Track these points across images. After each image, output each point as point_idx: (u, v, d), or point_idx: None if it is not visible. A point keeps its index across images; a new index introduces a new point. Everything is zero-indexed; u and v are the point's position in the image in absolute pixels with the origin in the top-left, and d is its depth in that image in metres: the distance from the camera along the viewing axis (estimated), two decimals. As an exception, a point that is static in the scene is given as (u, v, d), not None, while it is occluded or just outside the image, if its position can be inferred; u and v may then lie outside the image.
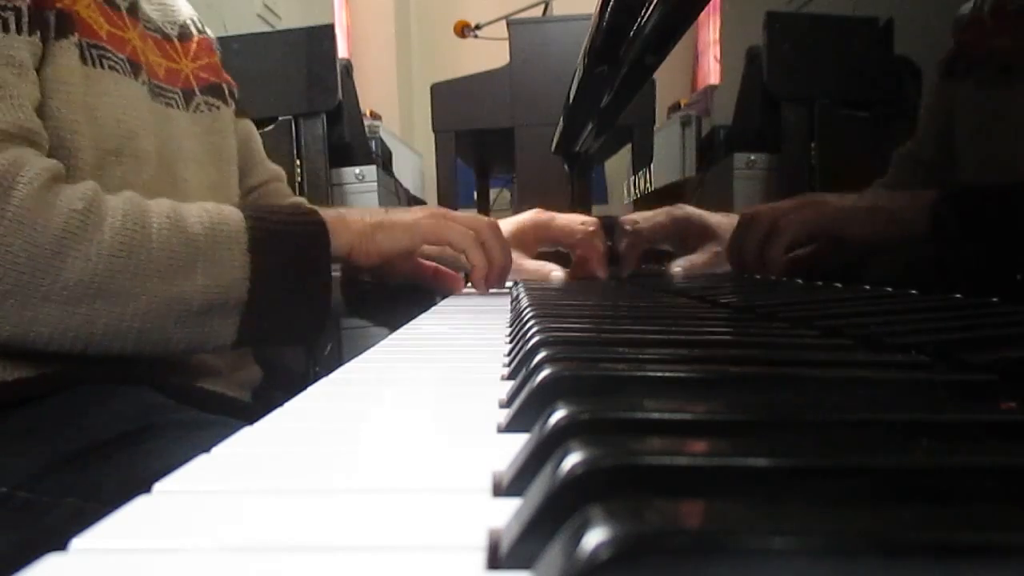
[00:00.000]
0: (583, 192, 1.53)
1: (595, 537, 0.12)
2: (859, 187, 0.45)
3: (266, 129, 1.70)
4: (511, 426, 0.24)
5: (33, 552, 0.14)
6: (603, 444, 0.16)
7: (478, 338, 0.48)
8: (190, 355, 0.65)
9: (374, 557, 0.14)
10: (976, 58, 0.34)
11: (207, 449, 0.21)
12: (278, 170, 0.98)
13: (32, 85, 0.59)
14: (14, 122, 0.56)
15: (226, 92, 0.86)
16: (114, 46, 0.68)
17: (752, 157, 0.78)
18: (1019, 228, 0.30)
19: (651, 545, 0.12)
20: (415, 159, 3.53)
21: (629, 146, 2.22)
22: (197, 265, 0.59)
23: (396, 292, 0.86)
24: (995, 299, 0.32)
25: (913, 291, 0.38)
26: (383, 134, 2.36)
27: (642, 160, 2.08)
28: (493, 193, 3.59)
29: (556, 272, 0.95)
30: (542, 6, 2.66)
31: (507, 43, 2.39)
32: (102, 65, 0.66)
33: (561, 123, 1.40)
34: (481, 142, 2.63)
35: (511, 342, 0.43)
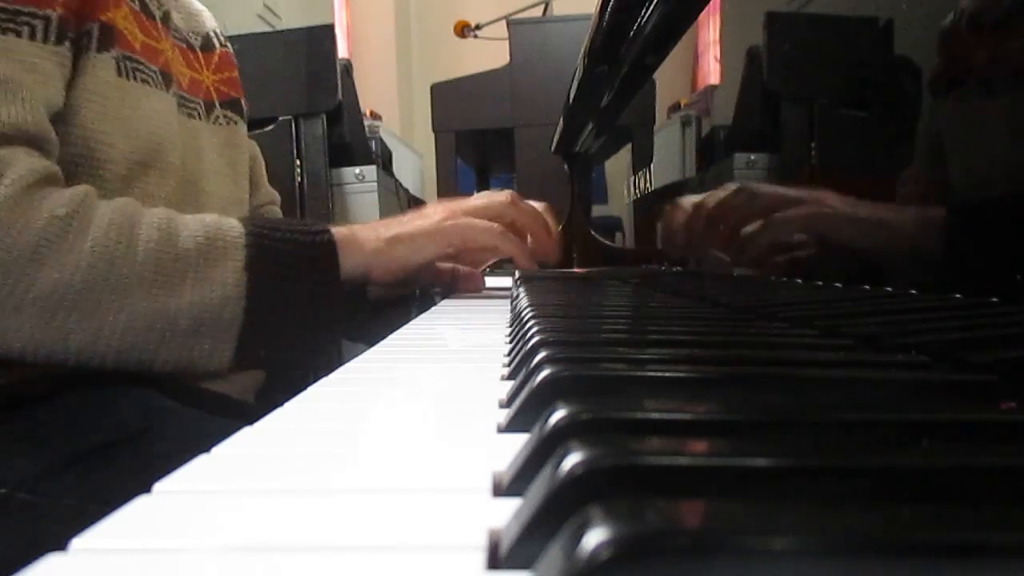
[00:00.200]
0: (583, 192, 1.53)
1: (595, 537, 0.12)
2: (859, 187, 0.45)
3: (266, 129, 1.70)
4: (511, 426, 0.24)
5: (34, 553, 0.14)
6: (603, 444, 0.16)
7: (478, 338, 0.48)
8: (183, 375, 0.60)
9: (374, 557, 0.14)
10: (960, 70, 0.34)
11: (208, 450, 0.21)
12: (275, 194, 0.98)
13: (53, 93, 0.58)
14: (15, 123, 0.55)
15: (242, 108, 0.86)
16: (148, 58, 0.68)
17: (752, 157, 0.78)
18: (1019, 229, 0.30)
19: (651, 545, 0.12)
20: (415, 159, 3.53)
21: (629, 146, 2.22)
22: (186, 281, 0.56)
23: (378, 306, 0.81)
24: (995, 299, 0.32)
25: (913, 291, 0.38)
26: (383, 134, 2.36)
27: (642, 160, 2.07)
28: (493, 193, 3.59)
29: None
30: (542, 6, 2.66)
31: (507, 43, 2.39)
32: (136, 78, 0.66)
33: (561, 123, 1.40)
34: (481, 142, 2.63)
35: (511, 342, 0.43)
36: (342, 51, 2.45)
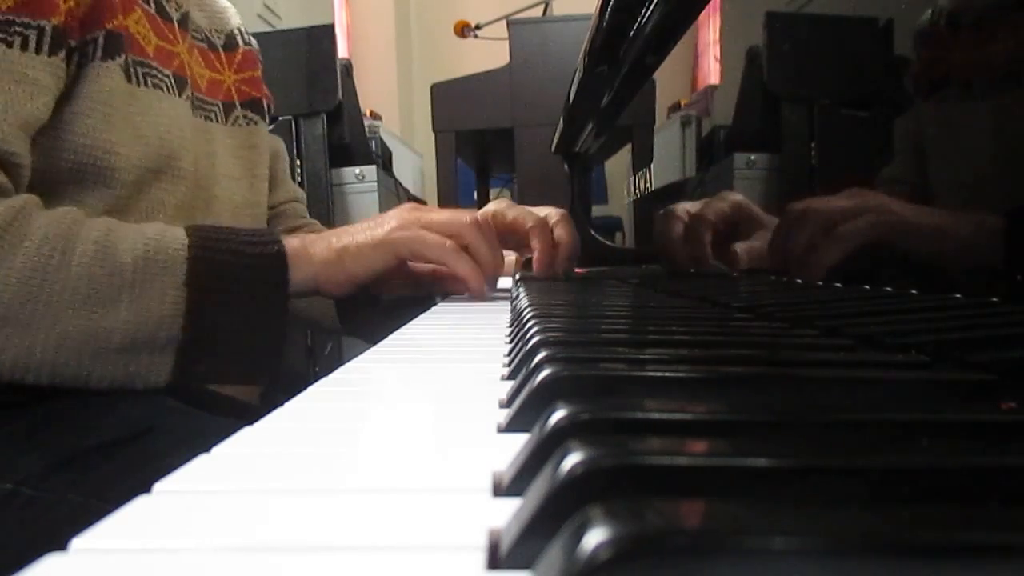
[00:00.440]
0: (583, 192, 1.53)
1: (595, 537, 0.12)
2: (860, 187, 0.45)
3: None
4: (511, 426, 0.24)
5: (36, 549, 0.14)
6: (603, 444, 0.16)
7: (478, 338, 0.48)
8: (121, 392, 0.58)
9: (374, 557, 0.14)
10: (939, 71, 0.34)
11: (209, 450, 0.21)
12: (298, 191, 0.96)
13: (40, 106, 0.57)
14: None
15: (264, 108, 0.85)
16: (161, 62, 0.67)
17: (752, 157, 0.78)
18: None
19: (651, 545, 0.12)
20: (415, 159, 3.53)
21: (629, 146, 2.22)
22: (121, 298, 0.54)
23: (390, 308, 0.79)
24: (995, 299, 0.32)
25: (913, 291, 0.38)
26: (383, 134, 2.36)
27: (642, 160, 2.08)
28: (493, 193, 3.59)
29: (508, 257, 0.84)
30: (542, 6, 2.66)
31: (507, 43, 2.39)
32: (147, 83, 0.65)
33: (561, 123, 1.40)
34: (481, 142, 2.63)
35: (511, 342, 0.43)
36: (342, 51, 2.45)
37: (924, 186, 0.37)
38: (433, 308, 0.71)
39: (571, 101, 1.20)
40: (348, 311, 0.81)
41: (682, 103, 2.27)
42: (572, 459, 0.15)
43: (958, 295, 0.34)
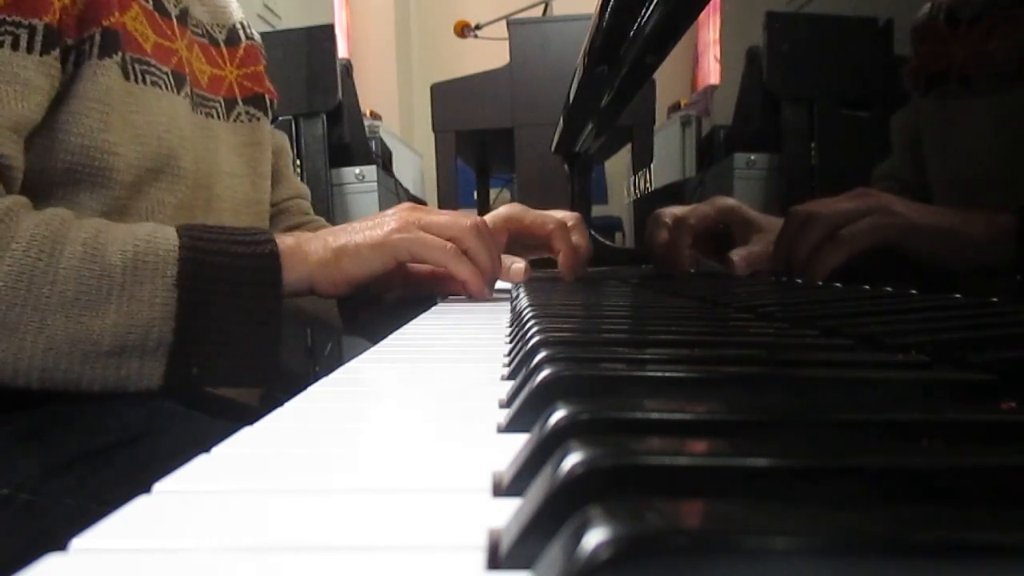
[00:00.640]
0: (583, 192, 1.53)
1: (595, 537, 0.12)
2: (860, 186, 0.45)
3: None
4: (511, 426, 0.24)
5: (34, 553, 0.14)
6: (603, 444, 0.16)
7: (478, 338, 0.48)
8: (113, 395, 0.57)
9: (374, 557, 0.14)
10: (937, 67, 0.33)
11: (208, 450, 0.21)
12: (303, 188, 0.95)
13: (32, 107, 0.56)
14: None
15: (267, 103, 0.84)
16: (159, 59, 0.66)
17: (752, 157, 0.78)
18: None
19: (651, 545, 0.12)
20: (415, 159, 3.53)
21: (629, 146, 2.22)
22: (110, 301, 0.53)
23: (392, 308, 0.79)
24: (995, 299, 0.32)
25: (913, 291, 0.39)
26: (383, 134, 2.36)
27: (642, 160, 2.08)
28: (493, 193, 3.60)
29: (516, 265, 0.84)
30: (542, 6, 2.66)
31: (507, 43, 2.39)
32: (145, 81, 0.64)
33: (561, 123, 1.40)
34: (481, 142, 2.64)
35: (511, 342, 0.43)
36: (342, 51, 2.45)
37: (924, 185, 0.37)
38: (433, 308, 0.71)
39: (571, 101, 1.20)
40: (350, 310, 0.81)
41: (682, 103, 2.27)
42: (572, 459, 0.15)
43: (958, 295, 0.34)
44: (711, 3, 0.77)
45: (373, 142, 2.05)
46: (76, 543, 0.15)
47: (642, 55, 0.87)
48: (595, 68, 0.96)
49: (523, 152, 2.38)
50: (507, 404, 0.27)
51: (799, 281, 0.52)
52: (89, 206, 0.61)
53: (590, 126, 1.28)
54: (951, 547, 0.12)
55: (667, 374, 0.26)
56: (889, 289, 0.41)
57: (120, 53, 0.61)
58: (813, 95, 0.54)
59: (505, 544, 0.15)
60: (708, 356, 0.34)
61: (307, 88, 1.78)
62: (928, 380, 0.27)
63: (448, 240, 0.64)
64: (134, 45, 0.64)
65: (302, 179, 1.77)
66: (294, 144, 1.76)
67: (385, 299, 0.79)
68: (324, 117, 1.79)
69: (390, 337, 0.48)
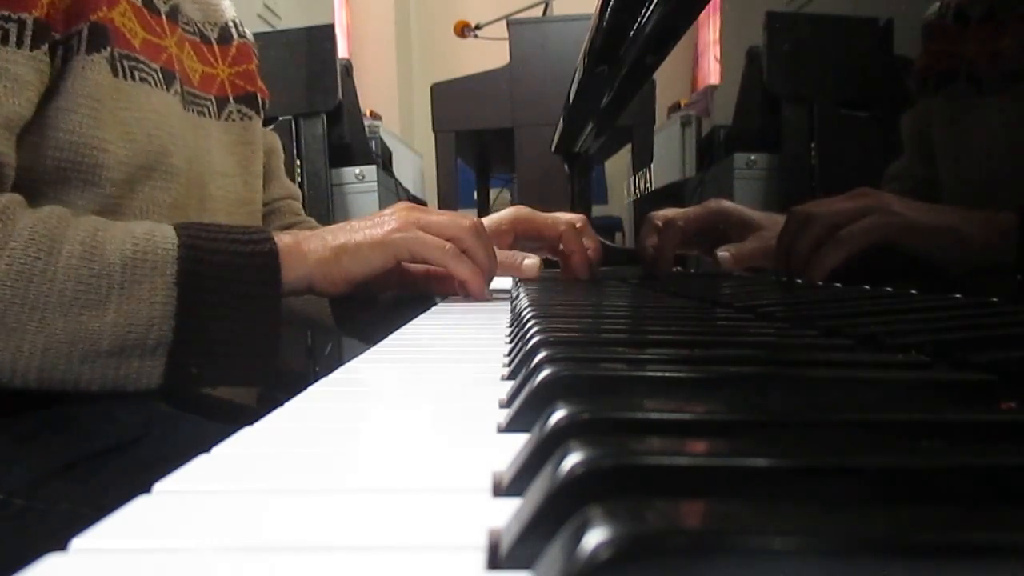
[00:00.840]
0: (583, 192, 1.53)
1: (595, 537, 0.12)
2: (861, 187, 0.45)
3: (266, 129, 1.70)
4: (511, 426, 0.24)
5: (28, 559, 0.14)
6: (603, 444, 0.16)
7: (478, 338, 0.48)
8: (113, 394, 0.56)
9: (374, 557, 0.14)
10: (948, 65, 0.33)
11: (208, 450, 0.21)
12: (293, 188, 0.95)
13: (22, 103, 0.56)
14: None
15: (259, 102, 0.84)
16: (148, 55, 0.66)
17: (752, 157, 0.78)
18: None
19: (651, 545, 0.12)
20: (415, 159, 3.53)
21: (629, 146, 2.22)
22: (110, 300, 0.53)
23: (388, 309, 0.79)
24: (995, 299, 0.32)
25: (913, 291, 0.38)
26: (383, 134, 2.36)
27: (642, 160, 2.08)
28: (493, 193, 3.60)
29: (528, 261, 0.83)
30: (542, 6, 2.66)
31: (507, 43, 2.39)
32: (134, 77, 0.64)
33: (561, 123, 1.40)
34: (481, 142, 2.64)
35: (511, 342, 0.43)
36: (342, 51, 2.45)
37: (934, 183, 0.37)
38: (433, 308, 0.70)
39: (571, 101, 1.20)
40: (343, 311, 0.81)
41: (682, 103, 2.27)
42: (572, 459, 0.15)
43: (958, 295, 0.34)
44: (711, 3, 0.77)
45: (373, 142, 2.05)
46: (76, 543, 0.15)
47: (642, 55, 0.87)
48: (595, 68, 0.96)
49: (523, 152, 2.38)
50: (507, 404, 0.27)
51: (799, 281, 0.52)
52: (80, 204, 0.60)
53: (590, 126, 1.28)
54: (951, 547, 0.12)
55: (667, 374, 0.26)
56: (889, 289, 0.41)
57: (108, 48, 0.61)
58: (813, 95, 0.54)
59: (505, 544, 0.15)
60: (708, 356, 0.34)
61: (307, 88, 1.78)
62: (928, 380, 0.27)
63: (447, 240, 0.65)
64: (122, 41, 0.63)
65: (302, 179, 1.77)
66: (294, 144, 1.76)
67: (380, 299, 0.79)
68: (324, 117, 1.79)
69: (390, 337, 0.48)
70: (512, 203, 0.93)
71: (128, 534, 0.16)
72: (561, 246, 0.86)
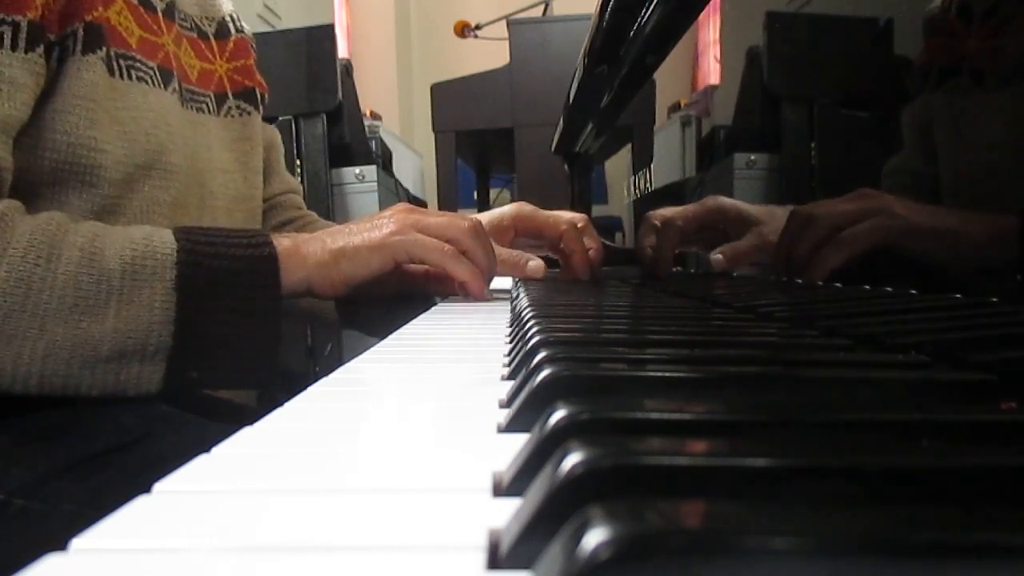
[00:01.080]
0: (583, 192, 1.53)
1: (595, 537, 0.12)
2: (861, 187, 0.45)
3: (266, 124, 1.70)
4: (511, 426, 0.24)
5: (29, 559, 0.14)
6: (603, 444, 0.16)
7: (478, 338, 0.48)
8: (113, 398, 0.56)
9: (374, 557, 0.14)
10: (950, 60, 0.33)
11: (208, 450, 0.21)
12: (294, 182, 0.95)
13: (18, 105, 0.55)
14: None
15: (258, 97, 0.83)
16: (145, 54, 0.65)
17: (752, 157, 0.78)
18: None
19: (651, 545, 0.12)
20: (415, 159, 3.53)
21: (629, 146, 2.22)
22: (109, 306, 0.53)
23: (392, 303, 0.78)
24: (995, 299, 0.32)
25: (913, 291, 0.38)
26: (383, 134, 2.36)
27: (642, 160, 2.08)
28: (493, 193, 3.60)
29: (533, 262, 0.82)
30: (542, 6, 2.66)
31: (507, 43, 2.39)
32: (131, 76, 0.63)
33: (561, 123, 1.40)
34: (481, 142, 2.64)
35: (511, 342, 0.43)
36: (342, 51, 2.45)
37: (935, 179, 0.37)
38: (433, 308, 0.70)
39: (571, 101, 1.20)
40: (348, 305, 0.80)
41: (682, 103, 2.27)
42: (572, 459, 0.15)
43: (958, 295, 0.34)
44: (711, 3, 0.77)
45: (373, 142, 2.05)
46: (76, 543, 0.15)
47: (642, 55, 0.87)
48: (595, 68, 0.96)
49: (523, 152, 2.38)
50: (507, 404, 0.27)
51: (799, 281, 0.52)
52: (78, 206, 0.60)
53: (590, 126, 1.28)
54: (951, 547, 0.12)
55: (667, 374, 0.26)
56: (889, 289, 0.41)
57: (104, 48, 0.60)
58: (813, 95, 0.54)
59: (505, 544, 0.15)
60: (708, 356, 0.34)
61: (307, 88, 1.78)
62: (928, 380, 0.27)
63: (446, 242, 0.65)
64: (119, 40, 0.63)
65: (302, 179, 1.77)
66: (294, 144, 1.76)
67: (383, 296, 0.79)
68: (324, 117, 1.79)
69: (390, 337, 0.48)
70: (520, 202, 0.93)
71: (128, 534, 0.16)
72: (562, 245, 0.85)
